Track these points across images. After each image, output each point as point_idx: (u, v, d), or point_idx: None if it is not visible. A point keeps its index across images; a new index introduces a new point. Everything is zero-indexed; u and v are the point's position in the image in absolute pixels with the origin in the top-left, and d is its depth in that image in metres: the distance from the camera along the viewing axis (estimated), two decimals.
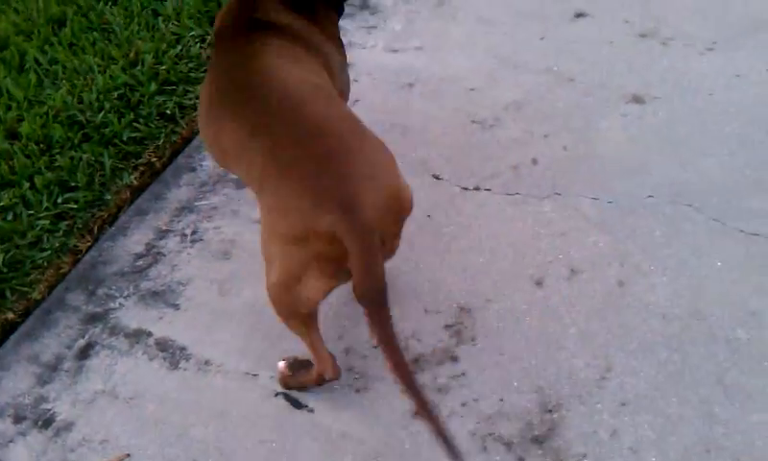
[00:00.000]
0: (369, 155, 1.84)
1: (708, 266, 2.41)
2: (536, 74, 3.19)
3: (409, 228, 2.58)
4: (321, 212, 1.72)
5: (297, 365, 2.26)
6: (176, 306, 2.55)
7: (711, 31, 3.27)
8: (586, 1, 3.53)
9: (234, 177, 2.83)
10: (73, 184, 2.94)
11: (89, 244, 2.78)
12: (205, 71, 2.91)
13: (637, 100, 2.99)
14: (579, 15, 3.47)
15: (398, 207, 1.85)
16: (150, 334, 2.48)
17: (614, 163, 2.77)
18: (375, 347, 2.25)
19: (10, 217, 2.83)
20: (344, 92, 2.36)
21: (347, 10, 2.71)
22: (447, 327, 2.37)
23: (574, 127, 2.93)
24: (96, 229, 2.83)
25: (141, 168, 3.01)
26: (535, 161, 2.82)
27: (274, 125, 1.89)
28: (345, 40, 2.54)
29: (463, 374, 2.25)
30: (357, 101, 2.99)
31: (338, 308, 2.42)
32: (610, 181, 2.71)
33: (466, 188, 2.77)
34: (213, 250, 2.70)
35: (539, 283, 2.44)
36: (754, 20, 3.31)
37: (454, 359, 2.28)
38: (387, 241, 1.86)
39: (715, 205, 2.58)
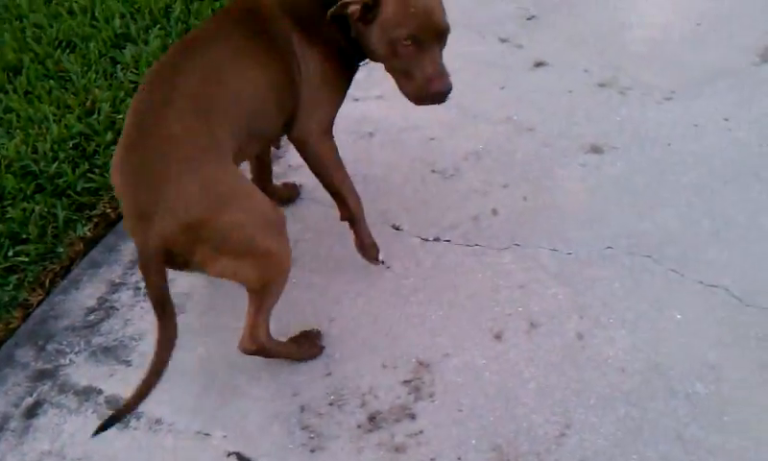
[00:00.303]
0: (183, 184, 1.97)
1: (667, 318, 2.40)
2: (495, 124, 3.19)
3: (367, 280, 2.59)
4: (128, 221, 2.03)
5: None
6: (128, 362, 2.48)
7: (669, 80, 3.30)
8: (545, 50, 3.55)
9: None
10: (24, 236, 2.87)
11: (40, 298, 2.71)
12: None
13: (596, 150, 3.00)
14: (538, 65, 3.48)
15: (195, 237, 1.99)
16: (100, 392, 2.41)
17: (573, 214, 2.76)
18: None
19: None
20: (305, 102, 2.33)
21: None
22: (405, 382, 2.32)
23: (533, 177, 2.93)
24: (47, 282, 2.76)
25: (95, 219, 2.95)
26: (494, 212, 2.80)
27: (144, 110, 2.09)
28: None
29: (421, 431, 2.20)
30: None
31: (293, 366, 2.37)
32: (569, 231, 2.70)
33: (425, 239, 2.74)
34: None
35: (498, 337, 2.41)
36: (711, 69, 3.34)
37: (412, 417, 2.24)
38: (190, 261, 2.04)
39: (674, 256, 2.57)
